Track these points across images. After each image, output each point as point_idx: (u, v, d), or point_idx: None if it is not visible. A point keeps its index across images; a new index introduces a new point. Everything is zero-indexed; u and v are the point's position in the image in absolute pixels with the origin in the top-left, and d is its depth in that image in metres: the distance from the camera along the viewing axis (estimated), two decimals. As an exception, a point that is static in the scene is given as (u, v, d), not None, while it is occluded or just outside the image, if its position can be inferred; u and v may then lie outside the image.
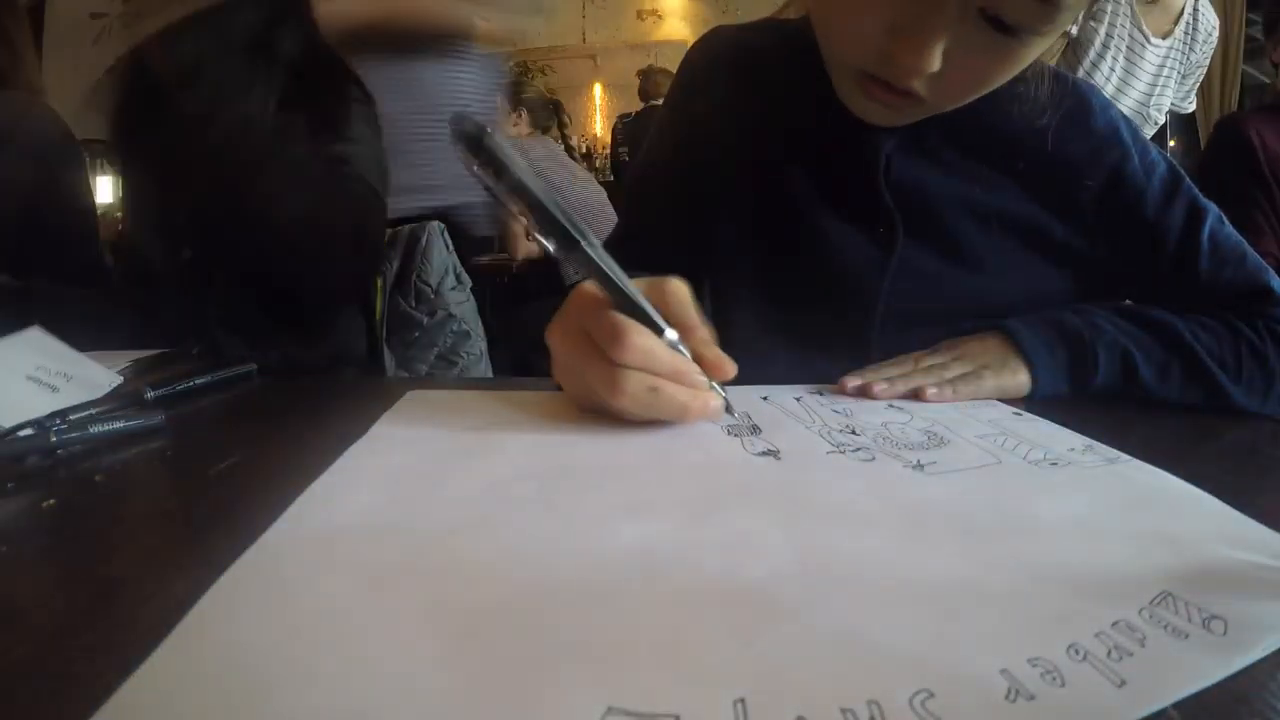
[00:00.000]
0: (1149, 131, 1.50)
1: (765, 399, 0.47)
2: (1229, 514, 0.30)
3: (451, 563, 0.26)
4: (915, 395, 0.47)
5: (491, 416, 0.44)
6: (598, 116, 5.19)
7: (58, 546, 0.30)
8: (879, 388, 0.47)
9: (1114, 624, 0.22)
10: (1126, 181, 0.56)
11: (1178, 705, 0.19)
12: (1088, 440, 0.39)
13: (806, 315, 0.59)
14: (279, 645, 0.21)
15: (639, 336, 0.38)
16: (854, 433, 0.41)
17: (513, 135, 2.49)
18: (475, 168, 0.34)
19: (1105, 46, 1.32)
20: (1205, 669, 0.20)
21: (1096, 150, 0.56)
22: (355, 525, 0.29)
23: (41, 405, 0.43)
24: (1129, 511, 0.31)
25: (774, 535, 0.28)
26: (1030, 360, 0.49)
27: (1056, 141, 0.56)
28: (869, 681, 0.19)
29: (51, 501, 0.34)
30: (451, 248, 1.66)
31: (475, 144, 0.33)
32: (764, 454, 0.37)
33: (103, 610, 0.24)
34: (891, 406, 0.46)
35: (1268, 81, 3.58)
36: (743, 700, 0.19)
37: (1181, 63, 1.44)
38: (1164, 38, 1.39)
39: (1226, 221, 0.56)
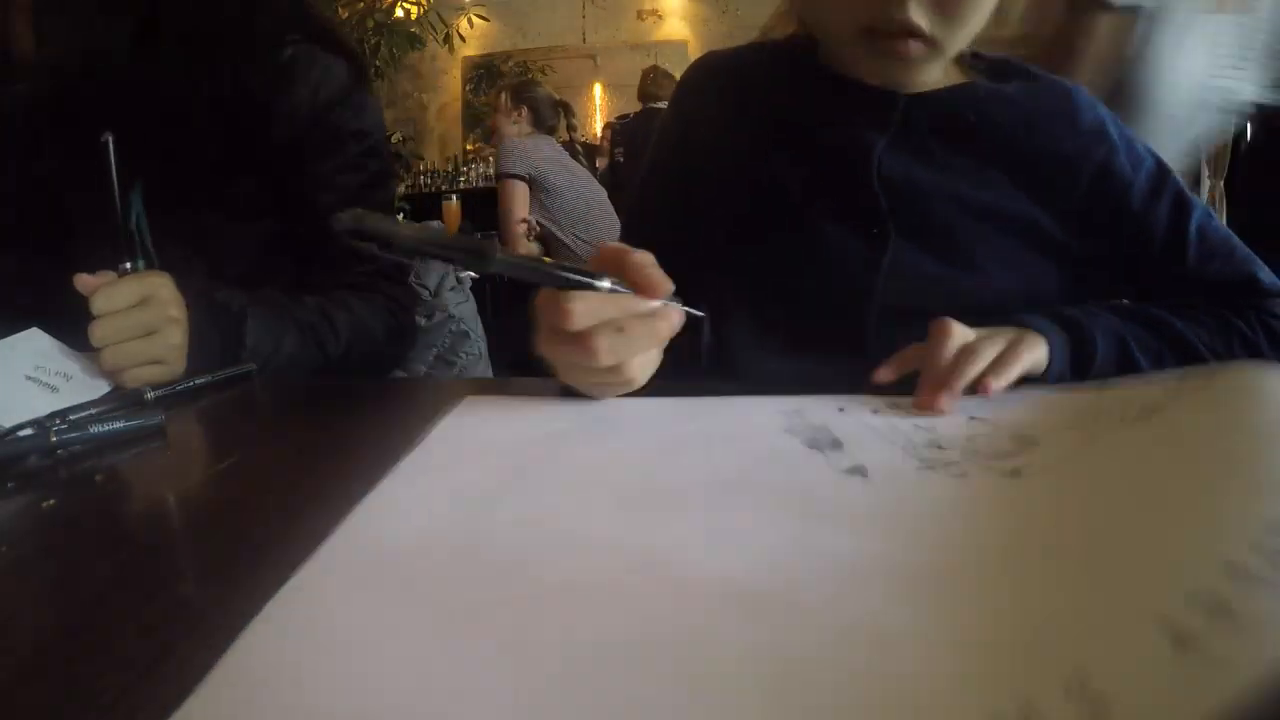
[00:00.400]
0: (1229, 119, 1.37)
1: (841, 410, 0.44)
2: None
3: (515, 592, 0.25)
4: (978, 389, 0.44)
5: (550, 425, 0.42)
6: (598, 116, 5.18)
7: (58, 546, 0.30)
8: (945, 402, 0.44)
9: (1255, 549, 0.19)
10: (1114, 176, 0.57)
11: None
12: (1170, 371, 0.37)
13: (803, 316, 0.60)
14: (334, 667, 0.21)
15: (578, 300, 0.39)
16: (940, 447, 0.38)
17: (512, 133, 2.46)
18: (374, 248, 0.36)
19: (1158, 19, 1.24)
20: None
21: (1084, 145, 0.57)
22: (414, 547, 0.28)
23: (41, 405, 0.43)
24: (1228, 442, 0.28)
25: (881, 564, 0.26)
26: (1045, 338, 0.49)
27: (1044, 138, 0.57)
28: (1018, 683, 0.18)
29: (51, 501, 0.34)
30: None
31: (358, 234, 0.36)
32: (851, 471, 0.35)
33: (103, 610, 0.24)
34: (973, 419, 0.42)
35: (1267, 81, 3.58)
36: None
37: (1259, 41, 1.32)
38: (1230, 10, 1.30)
39: (1214, 215, 0.57)
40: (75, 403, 0.45)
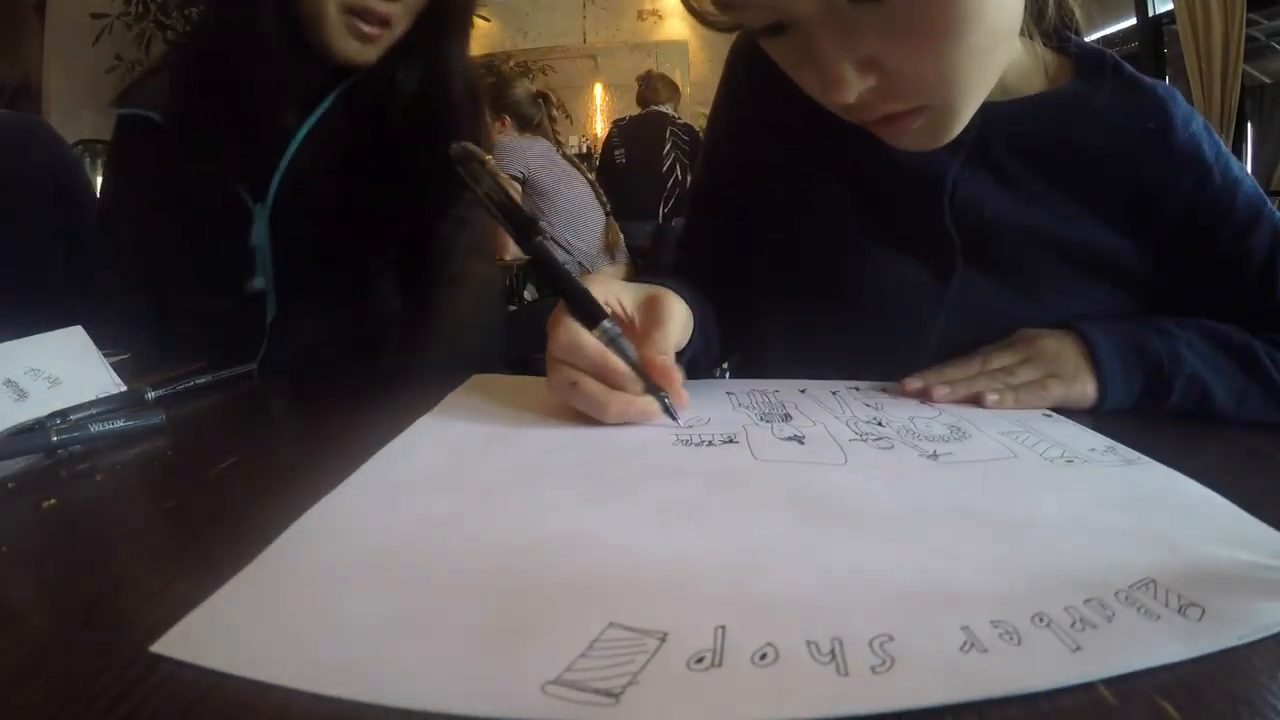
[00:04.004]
0: None
1: (803, 391, 0.49)
2: (1238, 515, 0.30)
3: (497, 511, 0.30)
4: (975, 400, 0.46)
5: (541, 400, 0.45)
6: (598, 117, 5.18)
7: (58, 546, 0.30)
8: (940, 392, 0.46)
9: (1086, 601, 0.23)
10: (1206, 204, 0.52)
11: (1178, 705, 0.19)
12: (1110, 442, 0.39)
13: (856, 343, 0.55)
14: (355, 564, 0.26)
15: (565, 332, 0.40)
16: (879, 424, 0.42)
17: (499, 139, 2.44)
18: (464, 177, 0.43)
19: None
20: (1169, 649, 0.21)
21: (1176, 170, 0.52)
22: (419, 480, 0.34)
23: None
24: (1132, 507, 0.31)
25: (783, 504, 0.31)
26: (1103, 376, 0.46)
27: (1132, 162, 0.52)
28: (836, 622, 0.22)
29: (52, 501, 0.34)
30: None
31: (460, 160, 0.43)
32: (790, 439, 0.39)
33: (103, 610, 0.24)
34: (923, 402, 0.47)
35: (1268, 82, 3.58)
36: (723, 627, 0.22)
37: None
38: None
39: None
40: (43, 413, 0.43)
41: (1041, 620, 0.22)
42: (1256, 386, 0.47)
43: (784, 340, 0.60)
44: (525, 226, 0.42)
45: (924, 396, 0.47)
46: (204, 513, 0.33)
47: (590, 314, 0.41)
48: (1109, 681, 0.20)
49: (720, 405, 0.45)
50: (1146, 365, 0.47)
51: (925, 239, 0.54)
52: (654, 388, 0.41)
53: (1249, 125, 3.48)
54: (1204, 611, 0.23)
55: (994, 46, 0.43)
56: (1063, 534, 0.29)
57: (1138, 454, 0.38)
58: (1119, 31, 3.97)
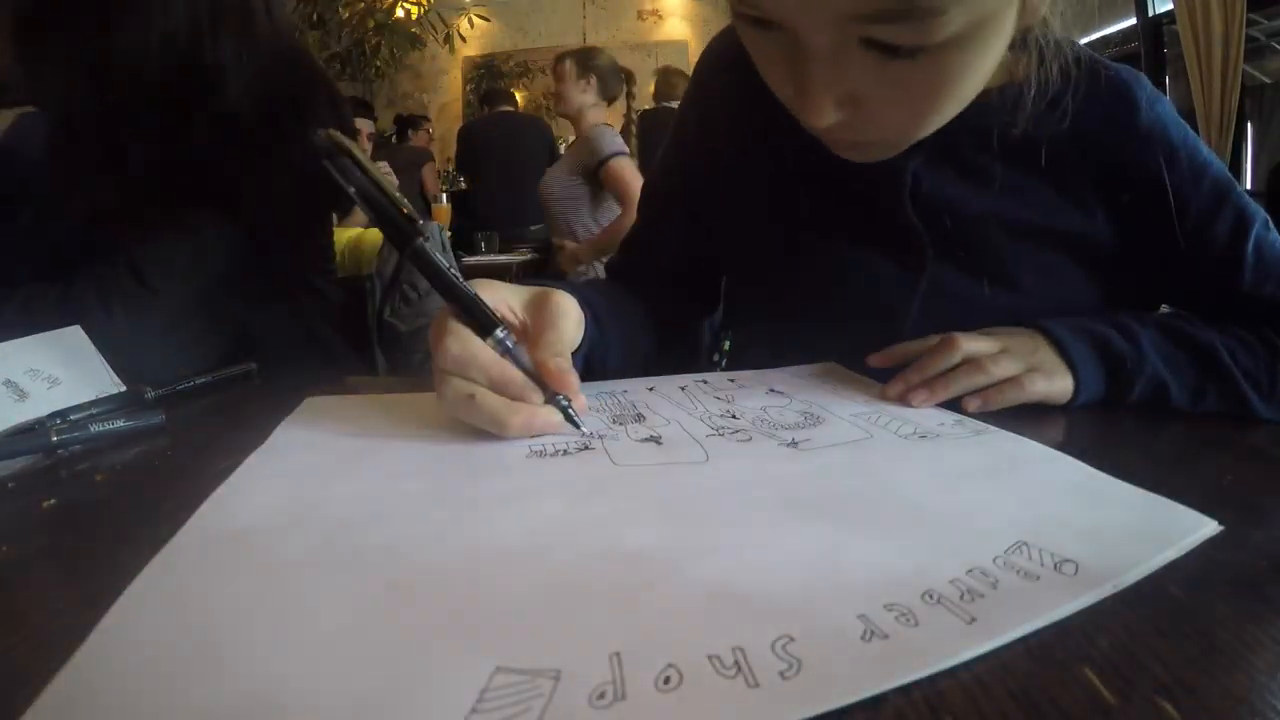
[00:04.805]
0: None
1: (651, 389, 0.48)
2: (1087, 472, 0.32)
3: (350, 553, 0.27)
4: (961, 405, 0.44)
5: (384, 420, 0.43)
6: (598, 116, 5.18)
7: (58, 546, 0.30)
8: (919, 397, 0.44)
9: (968, 571, 0.24)
10: (1170, 186, 0.52)
11: (1178, 705, 0.19)
12: (958, 415, 0.41)
13: (831, 339, 0.55)
14: (196, 637, 0.22)
15: (456, 343, 0.38)
16: (734, 416, 0.42)
17: (584, 102, 2.30)
18: (332, 173, 0.37)
19: None
20: (1053, 605, 0.22)
21: (1140, 153, 0.52)
22: (260, 524, 0.29)
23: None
24: (990, 474, 0.33)
25: (653, 511, 0.30)
26: (1076, 370, 0.46)
27: (1096, 146, 0.52)
28: (735, 631, 0.21)
29: (52, 501, 0.34)
30: (448, 247, 1.66)
31: (327, 154, 0.37)
32: (646, 440, 0.38)
33: (103, 610, 0.24)
34: (772, 391, 0.47)
35: (1268, 82, 3.58)
36: (618, 654, 0.20)
37: None
38: None
39: (1273, 228, 0.53)
40: (43, 413, 0.43)
41: (932, 597, 0.23)
42: (1214, 385, 0.48)
43: (773, 332, 0.60)
44: (404, 227, 0.38)
45: (904, 403, 0.44)
46: (204, 513, 0.33)
47: (482, 322, 0.38)
48: (1109, 681, 0.20)
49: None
50: (1110, 364, 0.47)
51: (893, 236, 0.54)
52: (553, 395, 0.39)
53: (1249, 125, 3.48)
54: (1078, 566, 0.24)
55: (967, 101, 0.45)
56: (932, 508, 0.29)
57: (984, 424, 0.39)
58: (1119, 31, 3.97)
